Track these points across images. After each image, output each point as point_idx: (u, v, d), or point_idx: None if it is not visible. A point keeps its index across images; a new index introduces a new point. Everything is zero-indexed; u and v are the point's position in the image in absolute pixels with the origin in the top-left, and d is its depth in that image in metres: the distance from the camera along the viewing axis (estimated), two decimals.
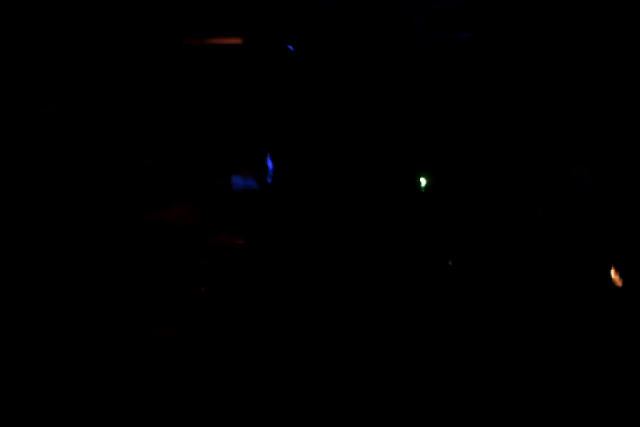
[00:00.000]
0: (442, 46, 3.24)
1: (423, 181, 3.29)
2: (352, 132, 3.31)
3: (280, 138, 3.17)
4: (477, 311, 2.70)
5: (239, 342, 2.57)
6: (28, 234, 2.76)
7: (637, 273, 2.70)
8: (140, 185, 2.90)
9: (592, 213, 2.96)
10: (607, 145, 3.07)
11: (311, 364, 2.40)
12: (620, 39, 3.12)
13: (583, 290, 2.73)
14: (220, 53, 3.16)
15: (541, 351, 2.53)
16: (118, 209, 2.82)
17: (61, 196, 2.88)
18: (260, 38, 3.21)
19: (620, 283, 2.71)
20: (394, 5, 3.13)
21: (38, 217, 2.85)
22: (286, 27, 3.21)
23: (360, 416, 1.85)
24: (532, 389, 2.36)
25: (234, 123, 3.19)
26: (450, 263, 3.03)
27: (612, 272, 2.74)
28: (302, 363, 2.43)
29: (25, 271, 2.61)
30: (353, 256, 3.05)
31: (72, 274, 2.66)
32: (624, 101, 3.10)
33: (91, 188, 2.90)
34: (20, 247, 2.70)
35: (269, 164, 3.11)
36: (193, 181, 2.97)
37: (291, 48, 3.10)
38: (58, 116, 3.01)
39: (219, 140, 3.17)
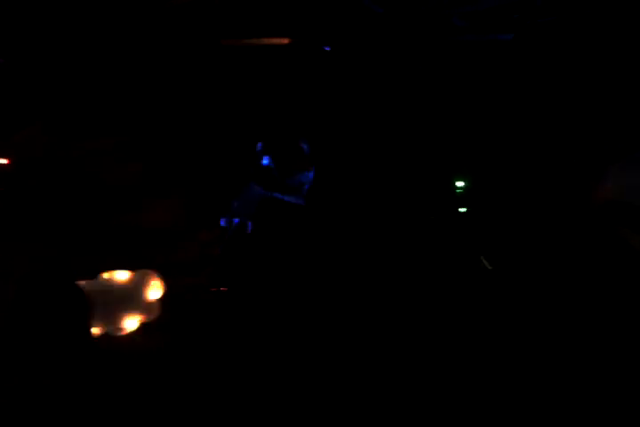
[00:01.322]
0: (483, 47, 3.22)
1: (460, 183, 3.32)
2: (388, 132, 3.34)
3: (316, 139, 3.22)
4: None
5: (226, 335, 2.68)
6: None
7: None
8: (127, 187, 3.05)
9: None
10: None
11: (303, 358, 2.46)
12: None
13: None
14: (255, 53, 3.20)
15: None
16: (109, 209, 2.96)
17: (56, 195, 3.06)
18: (304, 39, 3.24)
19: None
20: (435, 6, 3.11)
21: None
22: (328, 27, 3.23)
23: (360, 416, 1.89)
24: None
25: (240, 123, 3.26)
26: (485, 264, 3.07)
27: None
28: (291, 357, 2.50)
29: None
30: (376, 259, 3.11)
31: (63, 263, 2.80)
32: None
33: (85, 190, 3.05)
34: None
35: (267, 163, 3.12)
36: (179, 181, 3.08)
37: (326, 48, 3.12)
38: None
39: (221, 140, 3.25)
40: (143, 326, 2.60)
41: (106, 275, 2.74)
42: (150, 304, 2.61)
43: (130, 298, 2.54)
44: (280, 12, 3.21)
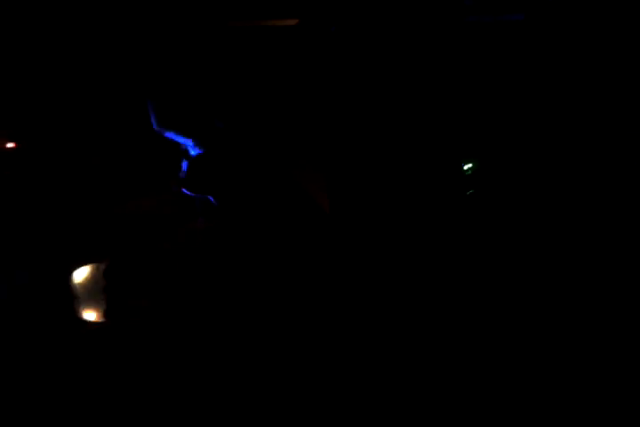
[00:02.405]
0: (492, 28, 3.16)
1: (468, 165, 3.29)
2: (397, 115, 3.30)
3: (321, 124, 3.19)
4: None
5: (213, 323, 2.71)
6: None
7: None
8: (118, 178, 3.07)
9: None
10: None
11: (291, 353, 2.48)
12: None
13: None
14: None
15: None
16: (102, 199, 2.98)
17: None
18: (311, 19, 3.19)
19: None
20: None
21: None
22: (334, 7, 3.17)
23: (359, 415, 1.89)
24: None
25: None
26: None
27: None
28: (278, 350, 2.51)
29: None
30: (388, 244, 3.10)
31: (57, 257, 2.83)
32: None
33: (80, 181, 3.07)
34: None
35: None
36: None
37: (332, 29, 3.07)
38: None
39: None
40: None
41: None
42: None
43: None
44: None
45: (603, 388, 2.24)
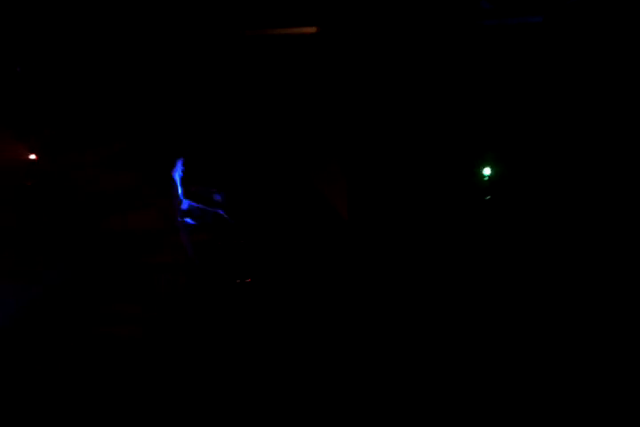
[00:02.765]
0: (511, 31, 3.12)
1: (487, 170, 3.27)
2: (416, 117, 3.28)
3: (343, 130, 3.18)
4: None
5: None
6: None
7: None
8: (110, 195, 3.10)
9: None
10: None
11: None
12: None
13: None
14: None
15: None
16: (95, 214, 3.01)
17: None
18: (332, 27, 3.17)
19: None
20: None
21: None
22: (352, 13, 3.15)
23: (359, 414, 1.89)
24: None
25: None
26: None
27: None
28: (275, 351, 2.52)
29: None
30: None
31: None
32: None
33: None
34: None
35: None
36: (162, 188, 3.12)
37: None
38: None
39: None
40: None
41: None
42: None
43: None
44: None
45: (602, 388, 2.23)
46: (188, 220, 2.58)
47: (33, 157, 3.20)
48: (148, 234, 2.77)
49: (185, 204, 2.59)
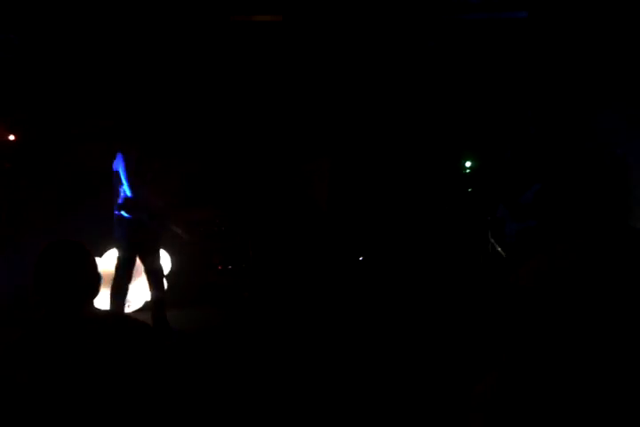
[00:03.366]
0: (496, 25, 3.12)
1: (468, 163, 3.27)
2: (396, 114, 3.28)
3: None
4: None
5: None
6: None
7: None
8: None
9: None
10: None
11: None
12: None
13: None
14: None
15: None
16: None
17: None
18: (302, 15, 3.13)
19: None
20: None
21: None
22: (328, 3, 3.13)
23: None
24: None
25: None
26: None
27: None
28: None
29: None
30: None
31: None
32: None
33: None
34: None
35: None
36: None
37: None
38: None
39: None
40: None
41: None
42: None
43: None
44: None
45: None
46: (124, 213, 2.55)
47: (12, 137, 3.15)
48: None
49: (122, 197, 2.57)
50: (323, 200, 3.49)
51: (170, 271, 3.11)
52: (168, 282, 2.90)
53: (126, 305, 2.72)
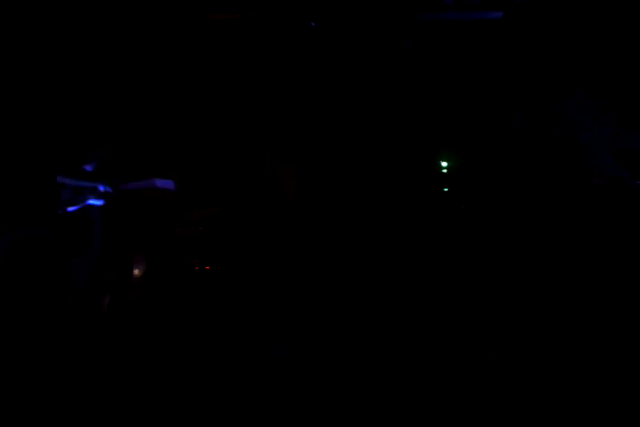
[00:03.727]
0: (471, 26, 3.13)
1: (444, 162, 3.29)
2: (374, 114, 3.28)
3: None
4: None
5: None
6: None
7: None
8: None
9: None
10: None
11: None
12: None
13: None
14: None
15: None
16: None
17: None
18: (279, 14, 3.11)
19: None
20: None
21: None
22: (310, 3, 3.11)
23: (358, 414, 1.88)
24: None
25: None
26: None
27: None
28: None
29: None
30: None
31: None
32: None
33: None
34: None
35: None
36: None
37: (312, 24, 3.00)
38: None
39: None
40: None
41: None
42: None
43: None
44: None
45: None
46: (94, 200, 2.55)
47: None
48: None
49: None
50: (290, 189, 3.47)
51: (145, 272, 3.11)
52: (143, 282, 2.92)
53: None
